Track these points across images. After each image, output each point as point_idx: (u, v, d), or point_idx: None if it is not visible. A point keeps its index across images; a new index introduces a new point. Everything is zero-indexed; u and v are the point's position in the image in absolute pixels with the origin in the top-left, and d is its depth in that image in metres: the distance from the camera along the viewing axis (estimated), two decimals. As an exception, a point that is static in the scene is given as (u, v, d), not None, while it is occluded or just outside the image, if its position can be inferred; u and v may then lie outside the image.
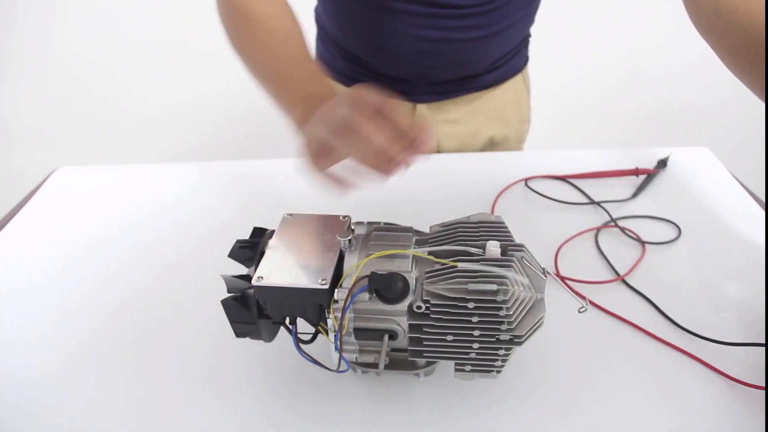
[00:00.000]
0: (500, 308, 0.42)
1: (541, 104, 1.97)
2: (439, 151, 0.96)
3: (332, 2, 0.85)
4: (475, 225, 0.50)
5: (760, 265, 0.65)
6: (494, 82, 0.91)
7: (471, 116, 0.93)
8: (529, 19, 0.88)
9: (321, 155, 0.52)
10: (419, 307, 0.44)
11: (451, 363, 0.47)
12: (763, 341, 0.55)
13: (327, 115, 0.51)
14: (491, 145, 0.97)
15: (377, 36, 0.79)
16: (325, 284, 0.44)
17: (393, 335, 0.47)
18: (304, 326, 0.49)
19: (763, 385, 0.51)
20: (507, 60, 0.90)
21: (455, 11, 0.78)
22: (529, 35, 0.93)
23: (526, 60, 0.96)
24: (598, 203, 0.75)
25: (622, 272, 0.64)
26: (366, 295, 0.45)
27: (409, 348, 0.46)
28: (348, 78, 0.91)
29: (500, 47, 0.87)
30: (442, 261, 0.46)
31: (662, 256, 0.67)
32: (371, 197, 0.80)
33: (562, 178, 0.81)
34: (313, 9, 0.94)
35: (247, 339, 0.50)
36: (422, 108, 0.91)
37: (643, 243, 0.68)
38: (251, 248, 0.50)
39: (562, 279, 0.63)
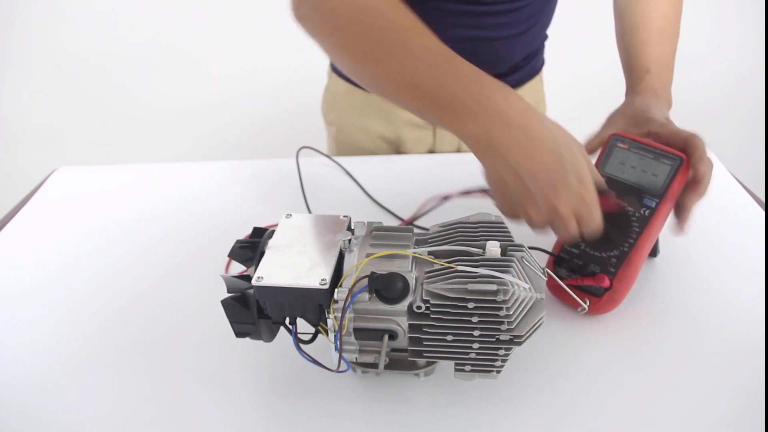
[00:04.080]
0: (500, 308, 0.42)
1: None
2: (459, 150, 0.96)
3: None
4: (474, 225, 0.50)
5: (760, 265, 0.65)
6: (516, 83, 0.92)
7: None
8: (549, 18, 0.89)
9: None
10: (419, 307, 0.44)
11: (451, 363, 0.47)
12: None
13: (549, 203, 0.47)
14: None
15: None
16: (325, 284, 0.44)
17: (393, 335, 0.47)
18: (304, 326, 0.49)
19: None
20: (528, 61, 0.91)
21: (491, 8, 0.78)
22: (546, 36, 0.94)
23: (543, 62, 0.97)
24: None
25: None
26: (366, 295, 0.45)
27: (409, 348, 0.46)
28: None
29: (526, 46, 0.88)
30: (442, 261, 0.46)
31: (662, 256, 0.67)
32: (371, 198, 0.80)
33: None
34: None
35: (247, 339, 0.50)
36: None
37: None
38: (251, 248, 0.50)
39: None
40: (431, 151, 0.96)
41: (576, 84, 1.97)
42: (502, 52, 0.85)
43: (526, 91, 0.94)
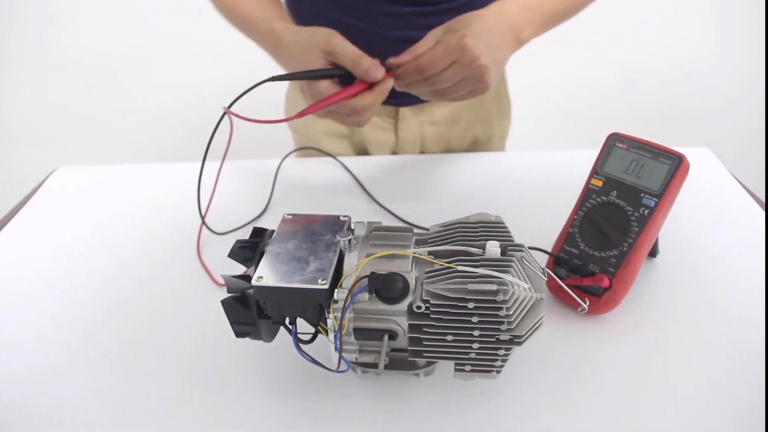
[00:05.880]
0: (500, 308, 0.42)
1: (539, 103, 1.97)
2: (422, 152, 0.96)
3: (312, 15, 0.85)
4: (474, 225, 0.50)
5: (760, 265, 0.65)
6: None
7: (453, 116, 0.93)
8: None
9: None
10: (419, 307, 0.44)
11: (451, 363, 0.47)
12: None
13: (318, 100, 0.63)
14: (475, 144, 0.98)
15: (359, 43, 0.80)
16: (325, 284, 0.44)
17: (393, 335, 0.47)
18: (304, 326, 0.49)
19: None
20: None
21: (434, 8, 0.79)
22: None
23: None
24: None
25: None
26: (366, 295, 0.45)
27: (409, 348, 0.46)
28: None
29: None
30: (442, 261, 0.46)
31: (661, 256, 0.67)
32: (371, 198, 0.80)
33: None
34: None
35: (247, 339, 0.50)
36: (405, 111, 0.91)
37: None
38: (251, 248, 0.50)
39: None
40: (394, 151, 0.96)
41: (563, 81, 1.96)
42: None
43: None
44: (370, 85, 0.63)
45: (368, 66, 0.61)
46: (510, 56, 0.70)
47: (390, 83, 0.63)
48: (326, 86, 0.62)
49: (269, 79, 0.63)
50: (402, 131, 0.93)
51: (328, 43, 0.62)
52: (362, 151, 0.98)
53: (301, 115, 0.61)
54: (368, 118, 0.65)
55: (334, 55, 0.62)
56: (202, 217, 0.74)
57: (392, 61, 0.64)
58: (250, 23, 0.76)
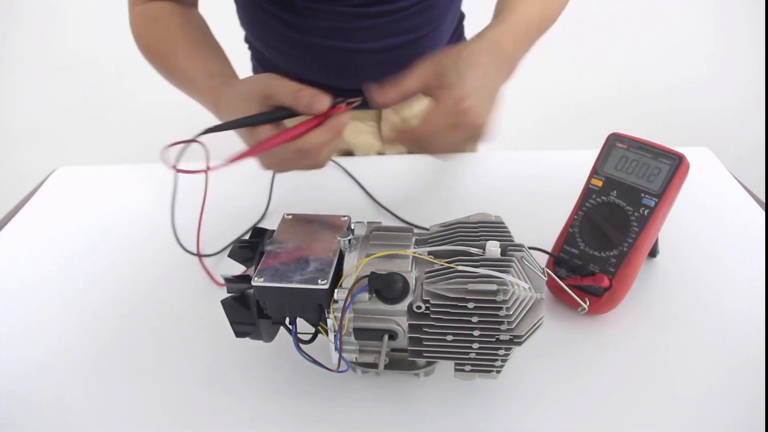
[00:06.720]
0: (500, 308, 0.42)
1: (539, 103, 1.97)
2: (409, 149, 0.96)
3: (284, 44, 0.84)
4: (474, 225, 0.50)
5: (760, 265, 0.65)
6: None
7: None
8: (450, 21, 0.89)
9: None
10: (419, 307, 0.44)
11: (451, 363, 0.47)
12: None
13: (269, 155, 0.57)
14: None
15: (336, 62, 0.77)
16: (325, 284, 0.44)
17: (393, 335, 0.47)
18: (304, 326, 0.49)
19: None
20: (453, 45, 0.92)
21: (405, 12, 0.79)
22: (463, 15, 0.95)
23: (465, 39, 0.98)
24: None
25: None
26: (366, 295, 0.45)
27: (409, 348, 0.46)
28: None
29: (447, 32, 0.88)
30: (442, 261, 0.46)
31: (661, 256, 0.67)
32: (371, 197, 0.80)
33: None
34: (248, 49, 0.93)
35: (247, 339, 0.50)
36: (387, 112, 0.92)
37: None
38: (251, 248, 0.50)
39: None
40: (380, 152, 0.97)
41: (565, 81, 1.96)
42: (429, 46, 0.83)
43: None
44: (320, 122, 0.54)
45: (309, 98, 0.53)
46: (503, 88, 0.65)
47: (345, 120, 0.55)
48: (265, 132, 0.54)
49: (203, 132, 0.55)
50: (386, 132, 0.93)
51: (266, 86, 0.56)
52: (348, 156, 0.98)
53: (234, 160, 0.54)
54: (327, 158, 0.57)
55: (272, 97, 0.55)
56: (198, 254, 0.74)
57: (376, 94, 0.57)
58: (189, 81, 0.69)
